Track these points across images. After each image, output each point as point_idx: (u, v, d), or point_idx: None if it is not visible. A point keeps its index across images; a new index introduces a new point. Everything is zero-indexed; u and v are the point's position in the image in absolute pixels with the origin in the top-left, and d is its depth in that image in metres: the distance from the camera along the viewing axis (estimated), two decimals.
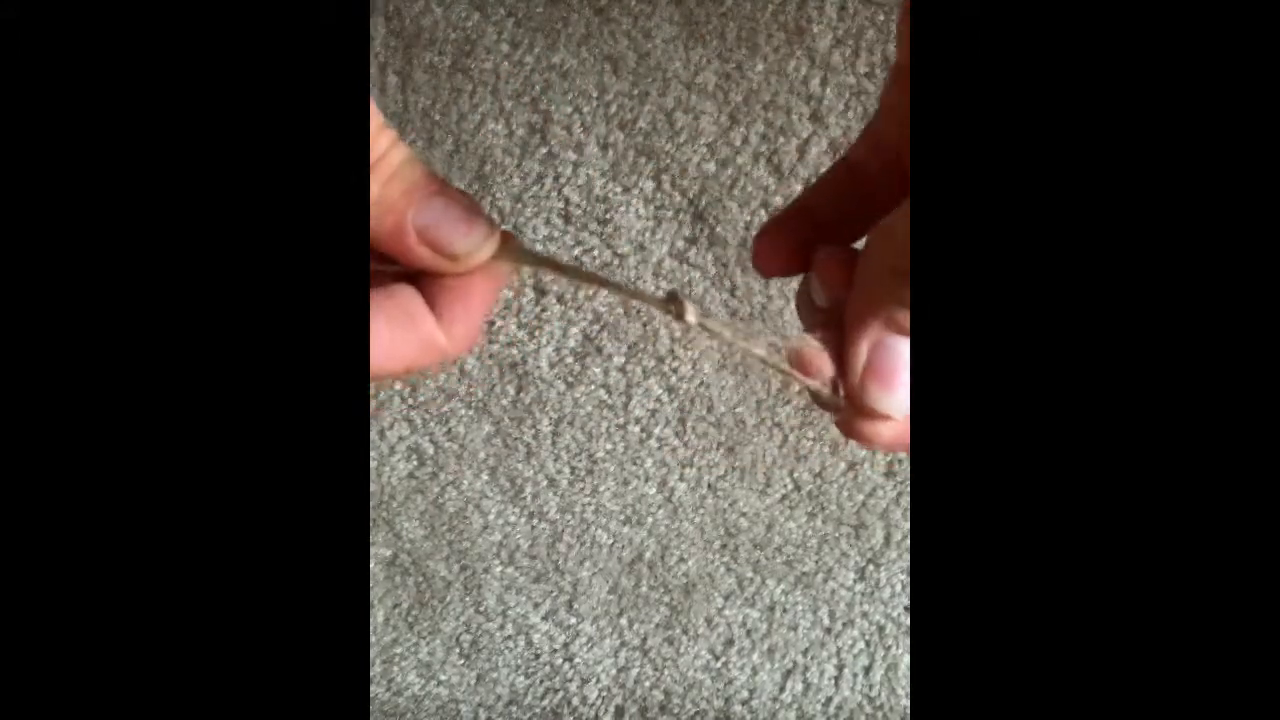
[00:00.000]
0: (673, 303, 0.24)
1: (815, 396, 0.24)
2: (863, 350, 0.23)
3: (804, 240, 0.26)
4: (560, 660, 0.62)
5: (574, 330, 0.56)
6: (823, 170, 0.52)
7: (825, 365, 0.24)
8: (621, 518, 0.59)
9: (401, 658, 0.63)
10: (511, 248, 0.24)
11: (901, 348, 0.23)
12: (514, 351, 0.56)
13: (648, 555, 0.60)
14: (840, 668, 0.62)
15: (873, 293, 0.23)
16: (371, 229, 0.23)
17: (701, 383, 0.56)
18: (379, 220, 0.22)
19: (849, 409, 0.24)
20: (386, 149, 0.23)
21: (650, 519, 0.59)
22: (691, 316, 0.24)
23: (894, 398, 0.23)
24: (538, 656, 0.62)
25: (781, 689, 0.62)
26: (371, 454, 0.58)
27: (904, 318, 0.22)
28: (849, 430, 0.24)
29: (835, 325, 0.24)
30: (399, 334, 0.23)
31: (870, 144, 0.27)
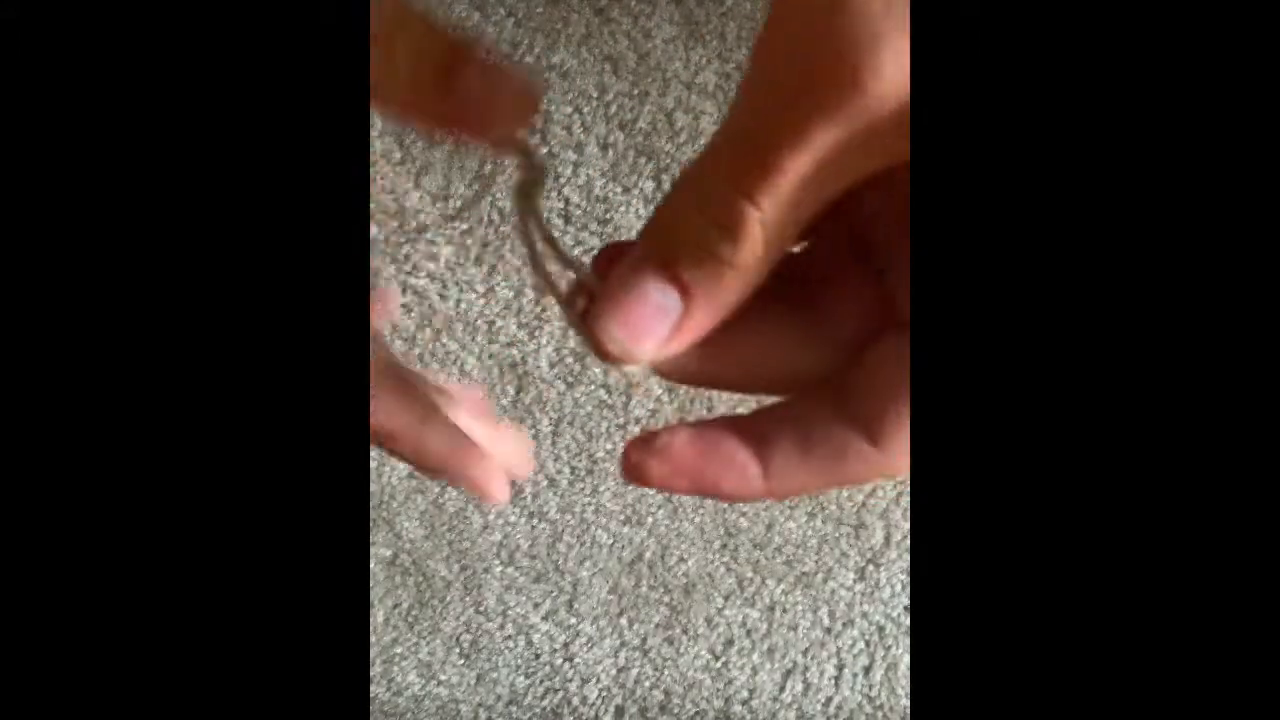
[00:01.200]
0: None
1: (568, 317, 0.21)
2: (615, 283, 0.20)
3: None
4: (560, 660, 0.62)
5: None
6: None
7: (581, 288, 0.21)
8: (621, 518, 0.59)
9: (401, 658, 0.63)
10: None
11: (659, 295, 0.19)
12: (514, 351, 0.56)
13: (648, 555, 0.60)
14: (840, 668, 0.62)
15: (662, 233, 0.19)
16: None
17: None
18: None
19: (590, 339, 0.20)
20: None
21: (650, 519, 0.59)
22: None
23: (635, 346, 0.20)
24: (538, 656, 0.62)
25: (781, 689, 0.62)
26: (371, 454, 0.58)
27: (682, 270, 0.19)
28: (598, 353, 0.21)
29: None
30: None
31: None
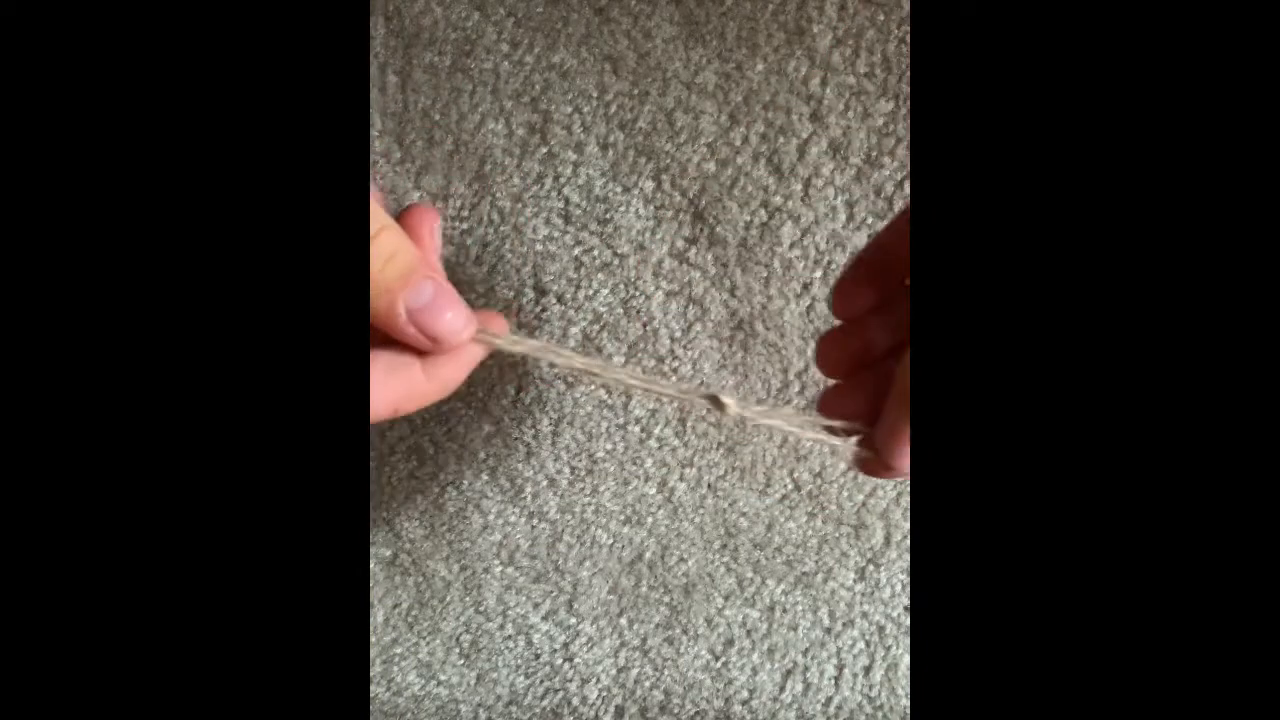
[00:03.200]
0: (712, 401, 0.30)
1: (845, 452, 0.32)
2: (899, 432, 0.29)
3: (880, 280, 0.32)
4: (560, 660, 0.63)
5: (574, 330, 0.56)
6: (823, 170, 0.52)
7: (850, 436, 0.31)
8: (621, 518, 0.59)
9: (401, 658, 0.63)
10: (494, 333, 0.29)
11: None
12: None
13: (648, 555, 0.60)
14: (840, 668, 0.62)
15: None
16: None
17: (702, 382, 0.56)
18: (375, 299, 0.25)
19: (877, 464, 0.31)
20: (379, 230, 0.25)
21: (650, 519, 0.59)
22: (733, 409, 0.30)
23: (901, 464, 0.30)
24: (538, 656, 0.62)
25: (781, 689, 0.62)
26: (371, 454, 0.58)
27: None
28: (870, 471, 0.31)
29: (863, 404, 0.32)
30: (388, 380, 0.27)
31: None
